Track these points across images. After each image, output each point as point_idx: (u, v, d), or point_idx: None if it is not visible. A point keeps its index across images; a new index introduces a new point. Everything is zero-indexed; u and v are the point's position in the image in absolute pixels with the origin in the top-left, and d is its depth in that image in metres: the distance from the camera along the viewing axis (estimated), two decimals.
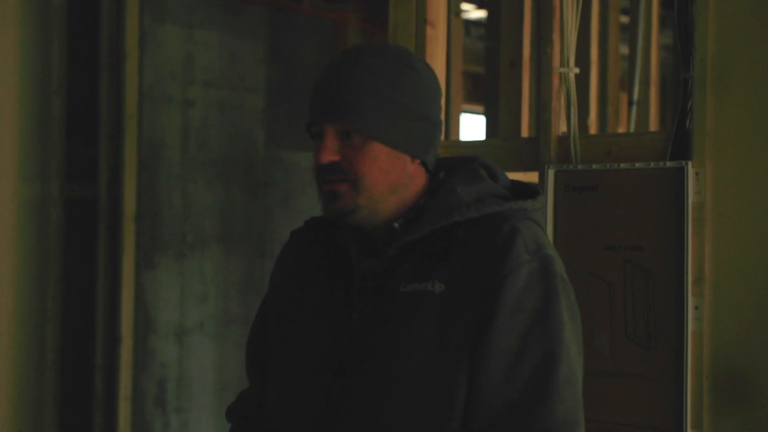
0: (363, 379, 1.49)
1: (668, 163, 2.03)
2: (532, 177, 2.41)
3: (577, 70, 2.25)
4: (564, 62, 2.24)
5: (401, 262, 1.52)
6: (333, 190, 1.51)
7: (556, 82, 2.25)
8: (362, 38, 5.17)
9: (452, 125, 4.13)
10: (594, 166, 2.14)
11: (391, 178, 1.52)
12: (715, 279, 1.97)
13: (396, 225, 1.54)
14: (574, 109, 2.23)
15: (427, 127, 1.56)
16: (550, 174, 2.19)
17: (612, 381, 2.08)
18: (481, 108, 6.41)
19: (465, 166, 1.59)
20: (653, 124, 4.48)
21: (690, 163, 1.99)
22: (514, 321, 1.44)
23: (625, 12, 5.42)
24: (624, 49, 5.65)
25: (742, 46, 1.96)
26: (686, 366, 1.97)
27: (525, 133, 3.31)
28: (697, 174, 1.99)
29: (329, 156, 1.50)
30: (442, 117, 2.51)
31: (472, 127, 8.25)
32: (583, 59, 3.86)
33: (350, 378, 1.50)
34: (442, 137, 2.50)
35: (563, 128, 2.26)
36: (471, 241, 1.49)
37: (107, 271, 3.98)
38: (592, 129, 3.98)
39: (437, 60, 2.50)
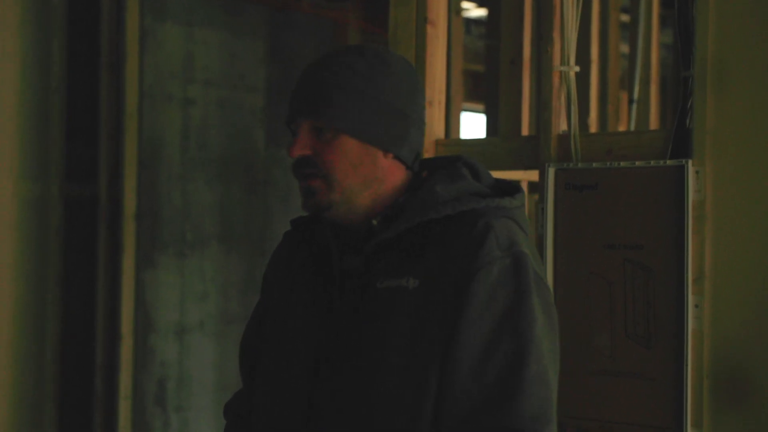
0: (342, 378, 1.51)
1: (668, 162, 2.03)
2: (532, 175, 2.41)
3: (577, 69, 2.25)
4: (564, 61, 2.24)
5: (379, 259, 1.53)
6: (308, 186, 1.54)
7: (556, 80, 2.25)
8: (362, 37, 5.17)
9: (452, 124, 4.12)
10: (594, 165, 2.13)
11: (362, 172, 1.54)
12: (715, 277, 1.97)
13: (374, 222, 1.55)
14: (574, 108, 2.23)
15: (399, 122, 1.56)
16: (551, 172, 2.19)
17: (612, 380, 2.07)
18: (481, 106, 6.41)
19: (448, 166, 1.61)
20: (653, 123, 4.47)
21: (690, 162, 1.99)
22: (484, 316, 1.45)
23: (625, 11, 5.42)
24: (624, 48, 5.65)
25: (742, 45, 1.96)
26: (686, 365, 1.97)
27: (525, 131, 3.31)
28: (697, 172, 1.99)
29: (300, 150, 1.53)
30: (443, 115, 2.51)
31: (473, 125, 8.25)
32: (583, 58, 3.85)
33: (330, 376, 1.52)
34: (443, 136, 2.50)
35: (563, 127, 2.26)
36: (446, 237, 1.50)
37: (107, 270, 3.98)
38: (593, 128, 3.98)
39: (437, 58, 2.50)
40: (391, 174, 1.57)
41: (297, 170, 1.55)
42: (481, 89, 6.61)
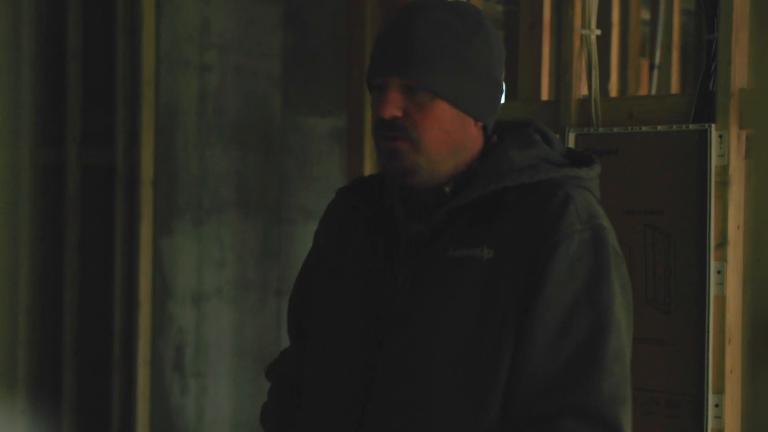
0: (405, 347, 1.45)
1: (691, 126, 2.00)
2: None
3: (598, 32, 2.22)
4: (585, 24, 2.20)
5: (449, 227, 1.47)
6: (393, 148, 1.44)
7: (577, 43, 2.22)
8: (379, 3, 5.12)
9: None
10: (615, 130, 2.11)
11: (453, 140, 1.46)
12: (756, 237, 1.94)
13: (447, 188, 1.49)
14: (595, 72, 2.20)
15: (493, 90, 1.50)
16: (571, 137, 2.16)
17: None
18: None
19: (519, 130, 1.53)
20: (674, 89, 4.43)
21: (713, 126, 1.96)
22: (563, 291, 1.40)
23: None
24: (645, 14, 5.58)
25: None
26: (708, 331, 1.95)
27: (545, 96, 3.27)
28: (720, 136, 1.96)
29: (392, 110, 1.43)
30: None
31: None
32: (604, 22, 3.80)
33: (392, 345, 1.46)
34: None
35: (584, 91, 2.23)
36: (522, 207, 1.45)
37: (125, 236, 3.98)
38: (613, 92, 3.94)
39: None
40: (476, 142, 1.51)
41: (381, 132, 1.45)
42: None
